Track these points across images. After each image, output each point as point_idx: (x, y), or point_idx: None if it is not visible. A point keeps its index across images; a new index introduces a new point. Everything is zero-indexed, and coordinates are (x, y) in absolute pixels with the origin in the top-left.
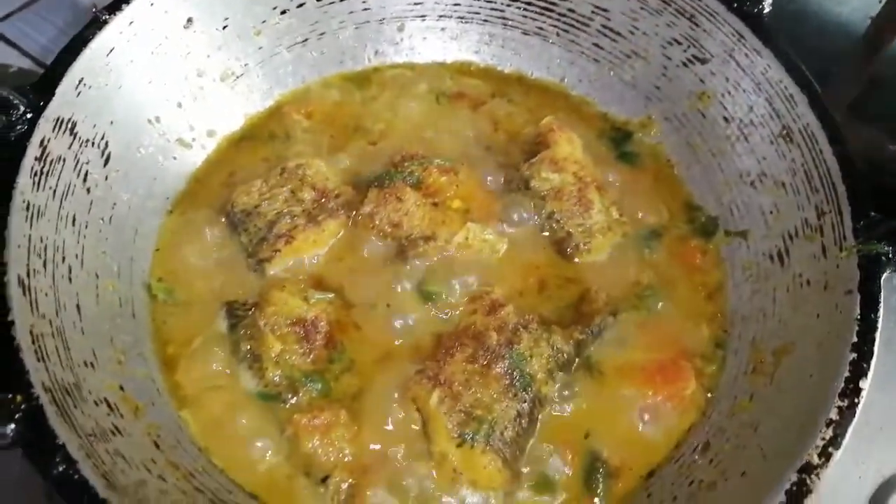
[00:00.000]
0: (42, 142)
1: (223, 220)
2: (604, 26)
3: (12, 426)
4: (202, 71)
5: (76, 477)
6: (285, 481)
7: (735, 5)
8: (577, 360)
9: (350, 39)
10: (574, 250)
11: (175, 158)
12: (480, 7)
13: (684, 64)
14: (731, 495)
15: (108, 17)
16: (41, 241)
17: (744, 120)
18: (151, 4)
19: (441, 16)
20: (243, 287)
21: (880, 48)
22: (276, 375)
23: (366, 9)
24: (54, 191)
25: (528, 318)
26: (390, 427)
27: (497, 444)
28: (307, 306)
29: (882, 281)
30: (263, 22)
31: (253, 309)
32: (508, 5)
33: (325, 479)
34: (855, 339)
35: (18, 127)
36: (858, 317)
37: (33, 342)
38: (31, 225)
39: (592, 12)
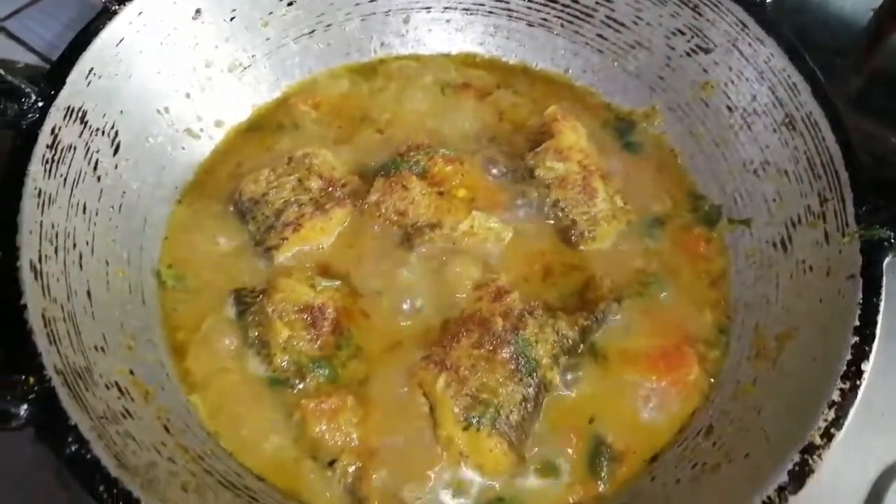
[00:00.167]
0: (53, 130)
1: (231, 208)
2: (608, 17)
3: (25, 407)
4: (210, 62)
5: (88, 456)
6: (292, 465)
7: None
8: (581, 345)
9: (356, 31)
10: (579, 238)
11: (184, 148)
12: None
13: (688, 54)
14: (735, 476)
15: (117, 7)
16: (52, 227)
17: (747, 109)
18: None
19: (446, 7)
20: (251, 274)
21: (882, 41)
22: (283, 361)
23: (372, 0)
24: (65, 178)
25: (533, 305)
26: (397, 412)
27: (503, 428)
28: (314, 293)
29: (885, 266)
30: (271, 13)
31: (261, 296)
32: None
33: (332, 463)
34: (857, 322)
35: (30, 115)
36: (861, 301)
37: (45, 325)
38: (42, 211)
39: (596, 3)
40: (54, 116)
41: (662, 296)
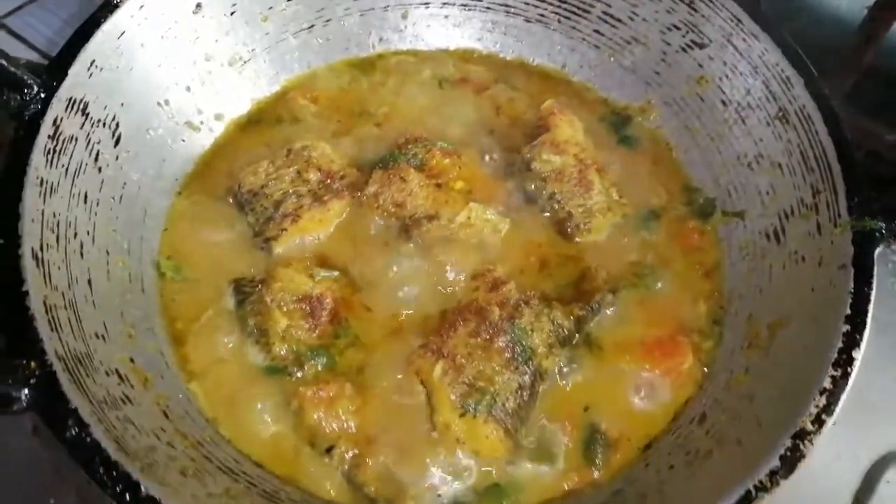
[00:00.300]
0: (55, 121)
1: (230, 200)
2: (604, 13)
3: (26, 391)
4: (210, 55)
5: (88, 440)
6: (291, 451)
7: None
8: (577, 335)
9: (355, 26)
10: (574, 230)
11: (184, 141)
12: None
13: (683, 49)
14: (727, 462)
15: (119, 0)
16: (54, 216)
17: (741, 103)
18: None
19: (444, 3)
20: (250, 265)
21: (876, 38)
22: (282, 350)
23: None
24: (66, 169)
25: (529, 295)
26: (394, 399)
27: (499, 415)
28: (313, 283)
29: (876, 256)
30: (270, 8)
31: (260, 286)
32: None
33: (329, 450)
34: (848, 311)
35: (32, 106)
36: (852, 290)
37: (46, 312)
38: (44, 200)
39: None
40: (56, 108)
41: (657, 287)
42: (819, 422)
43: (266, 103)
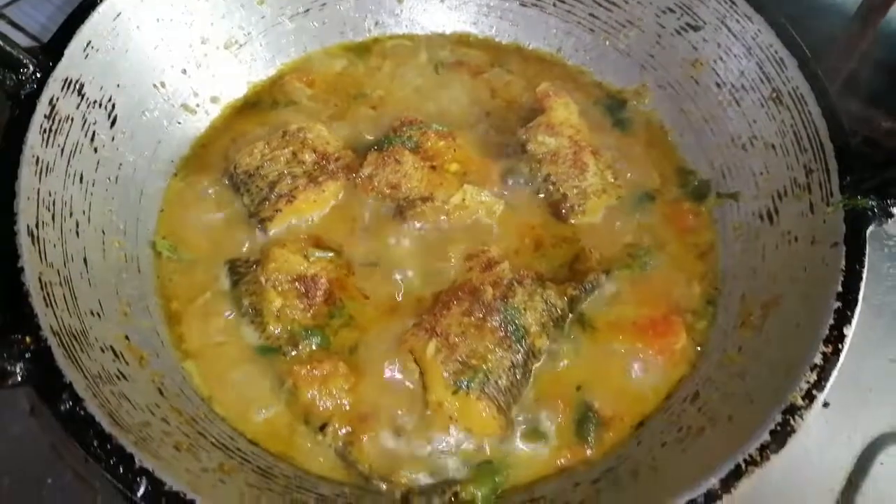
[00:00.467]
0: (51, 101)
1: (226, 181)
2: None
3: (21, 365)
4: (206, 38)
5: (83, 413)
6: (285, 429)
7: None
8: (570, 315)
9: (351, 10)
10: (569, 211)
11: (180, 123)
12: None
13: (678, 32)
14: (719, 438)
15: None
16: (49, 195)
17: (735, 85)
18: None
19: None
20: (245, 246)
21: (872, 25)
22: (276, 329)
23: None
24: (62, 148)
25: (522, 274)
26: (387, 377)
27: (492, 392)
28: (307, 264)
29: (868, 234)
30: None
31: (255, 266)
32: None
33: (323, 427)
34: (840, 288)
35: (28, 86)
36: (843, 267)
37: (42, 288)
38: (39, 179)
39: None
40: (52, 87)
41: (651, 268)
42: (810, 397)
43: (262, 86)
